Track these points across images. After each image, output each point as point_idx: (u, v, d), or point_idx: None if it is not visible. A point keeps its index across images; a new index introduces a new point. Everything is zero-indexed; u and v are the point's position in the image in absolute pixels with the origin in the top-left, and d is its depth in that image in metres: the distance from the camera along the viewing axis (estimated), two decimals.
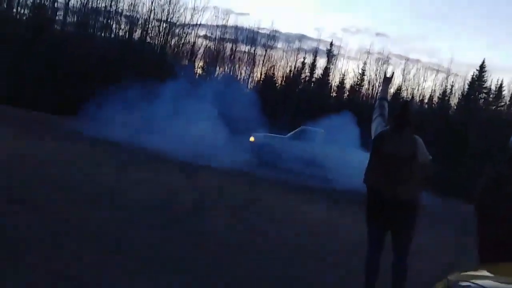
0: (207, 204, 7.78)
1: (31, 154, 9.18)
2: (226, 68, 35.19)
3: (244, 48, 35.61)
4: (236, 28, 35.17)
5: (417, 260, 5.04)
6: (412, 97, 34.73)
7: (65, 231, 4.83)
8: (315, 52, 35.26)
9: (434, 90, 35.50)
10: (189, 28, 33.59)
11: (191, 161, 12.76)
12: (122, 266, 4.12)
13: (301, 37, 36.73)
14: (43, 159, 8.96)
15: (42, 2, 29.61)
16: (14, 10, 29.56)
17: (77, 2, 30.76)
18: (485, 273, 2.23)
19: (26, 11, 30.11)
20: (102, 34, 31.67)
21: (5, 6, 29.10)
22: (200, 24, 34.28)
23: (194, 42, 34.36)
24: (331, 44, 35.09)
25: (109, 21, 31.72)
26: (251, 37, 35.31)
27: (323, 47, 35.69)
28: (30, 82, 24.08)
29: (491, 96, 34.35)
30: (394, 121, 4.09)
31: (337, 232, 7.70)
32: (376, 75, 34.88)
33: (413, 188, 3.96)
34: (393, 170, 3.90)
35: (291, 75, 34.80)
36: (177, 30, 33.16)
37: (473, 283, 1.91)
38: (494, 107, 34.19)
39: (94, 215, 5.66)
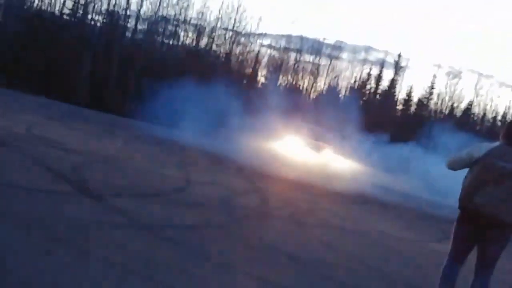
0: (267, 209, 7.53)
1: (105, 152, 9.38)
2: (289, 77, 35.07)
3: (308, 58, 35.42)
4: (301, 38, 35.06)
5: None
6: (485, 113, 33.07)
7: (121, 222, 4.75)
8: (382, 64, 34.45)
9: (509, 107, 33.62)
10: (254, 37, 33.87)
11: (253, 166, 12.62)
12: (173, 258, 3.95)
13: (368, 48, 35.94)
14: (113, 157, 9.10)
15: (115, 9, 30.87)
16: (89, 16, 30.96)
17: (148, 9, 31.85)
18: None
19: (100, 18, 31.47)
20: (171, 42, 32.52)
21: (81, 12, 30.56)
22: (265, 34, 34.52)
23: (259, 51, 34.57)
24: (399, 55, 34.16)
25: (177, 29, 32.58)
26: (316, 47, 35.08)
27: (390, 59, 34.83)
28: (105, 88, 25.20)
29: None
30: (506, 134, 3.81)
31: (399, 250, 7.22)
32: (446, 89, 33.53)
33: None
34: (500, 188, 3.67)
35: (356, 86, 34.14)
36: (242, 39, 33.51)
37: None
38: None
39: (155, 210, 5.57)
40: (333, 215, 8.58)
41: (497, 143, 3.85)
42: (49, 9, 30.63)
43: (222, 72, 27.88)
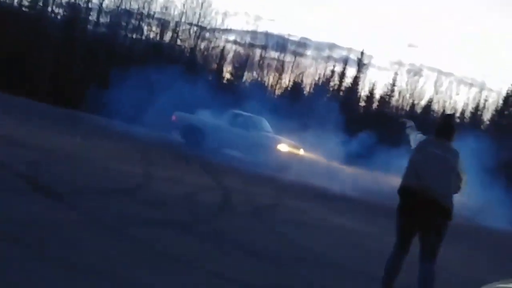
0: (230, 205, 7.53)
1: (64, 149, 9.16)
2: (254, 74, 35.10)
3: (273, 54, 35.55)
4: (266, 34, 35.13)
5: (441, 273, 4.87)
6: (444, 110, 34.00)
7: (79, 220, 4.67)
8: (345, 61, 34.92)
9: (467, 104, 34.71)
10: (219, 32, 33.73)
11: (217, 162, 12.60)
12: (135, 259, 3.90)
13: (332, 46, 36.38)
14: (72, 153, 8.90)
15: (76, 2, 30.11)
16: (49, 8, 30.10)
17: (110, 2, 31.22)
18: None
19: (60, 11, 30.65)
20: (134, 36, 31.98)
21: (41, 4, 29.67)
22: (230, 29, 34.43)
23: (224, 47, 34.44)
24: (362, 53, 34.70)
25: (140, 23, 32.06)
26: (281, 43, 35.23)
27: (353, 56, 35.34)
28: (66, 82, 24.53)
29: None
30: (436, 132, 4.27)
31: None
32: (407, 86, 34.30)
33: (449, 193, 4.02)
34: (436, 172, 4.00)
35: (320, 83, 34.50)
36: (207, 34, 33.31)
37: None
38: None
39: (115, 208, 5.48)
40: (297, 211, 8.67)
41: (429, 136, 4.30)
42: (7, 0, 29.62)
43: (186, 68, 27.60)
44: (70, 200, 5.38)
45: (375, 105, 34.71)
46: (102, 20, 31.68)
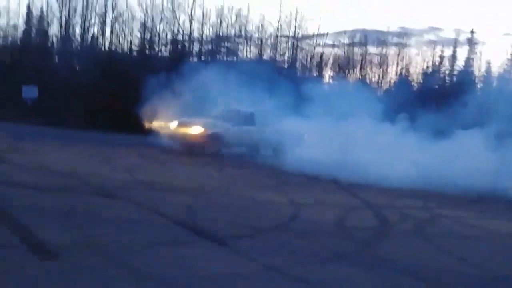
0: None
1: (207, 187, 9.37)
2: (356, 73, 34.38)
3: (373, 50, 34.60)
4: (363, 31, 34.34)
5: None
6: None
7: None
8: (455, 43, 32.92)
9: None
10: (316, 38, 33.59)
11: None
12: None
13: (431, 29, 34.64)
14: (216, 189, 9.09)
15: (179, 36, 31.68)
16: (156, 48, 32.01)
17: (209, 32, 32.40)
18: None
19: (164, 48, 32.41)
20: (234, 59, 32.86)
21: (147, 46, 31.68)
22: (327, 34, 34.10)
23: (323, 53, 34.20)
24: (472, 32, 32.52)
25: (238, 45, 32.94)
26: (381, 38, 34.19)
27: (455, 36, 33.15)
28: None
29: None
30: None
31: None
32: None
33: None
34: None
35: (429, 71, 32.86)
36: (305, 43, 33.38)
37: None
38: None
39: None
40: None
41: None
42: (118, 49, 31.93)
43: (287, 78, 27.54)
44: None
45: (494, 83, 32.08)
46: (203, 49, 32.93)
